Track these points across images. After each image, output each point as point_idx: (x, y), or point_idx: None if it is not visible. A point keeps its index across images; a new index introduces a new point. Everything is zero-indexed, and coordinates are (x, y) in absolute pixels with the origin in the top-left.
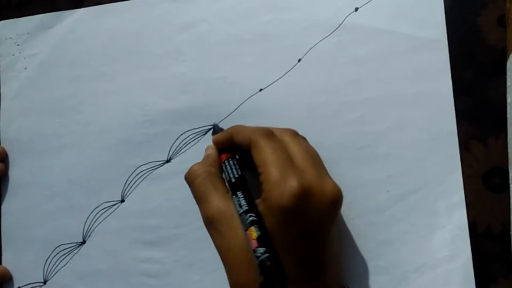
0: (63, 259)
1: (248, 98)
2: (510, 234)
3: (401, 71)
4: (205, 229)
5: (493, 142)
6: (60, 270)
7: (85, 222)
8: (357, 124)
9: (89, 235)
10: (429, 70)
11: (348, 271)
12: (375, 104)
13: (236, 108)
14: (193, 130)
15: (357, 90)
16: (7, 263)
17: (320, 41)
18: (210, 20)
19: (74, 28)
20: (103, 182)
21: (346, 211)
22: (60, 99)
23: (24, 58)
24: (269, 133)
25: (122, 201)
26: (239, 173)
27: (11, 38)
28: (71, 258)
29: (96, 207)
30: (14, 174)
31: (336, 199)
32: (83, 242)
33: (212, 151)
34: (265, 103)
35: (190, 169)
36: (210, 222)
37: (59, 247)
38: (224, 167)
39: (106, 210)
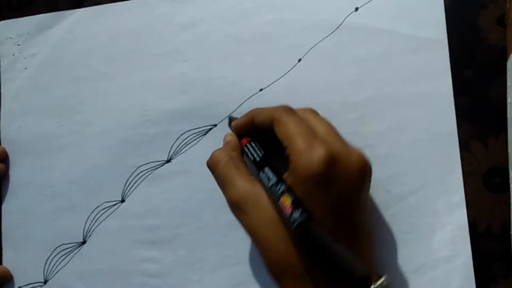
0: (63, 259)
1: (248, 98)
2: (510, 234)
3: (401, 71)
4: (205, 229)
5: (493, 142)
6: (60, 270)
7: (85, 222)
8: (357, 124)
9: (90, 235)
10: (429, 70)
11: None
12: (375, 104)
13: (236, 108)
14: (193, 130)
15: (357, 90)
16: (7, 263)
17: (320, 41)
18: (210, 20)
19: (74, 28)
20: (103, 182)
21: None
22: (60, 99)
23: (24, 58)
24: (290, 109)
25: (122, 201)
26: (262, 152)
27: (11, 38)
28: (71, 258)
29: (96, 207)
30: (14, 174)
31: (364, 166)
32: (84, 242)
33: (232, 137)
34: (265, 103)
35: (212, 155)
36: (237, 205)
37: (59, 247)
38: (246, 149)
39: (106, 210)
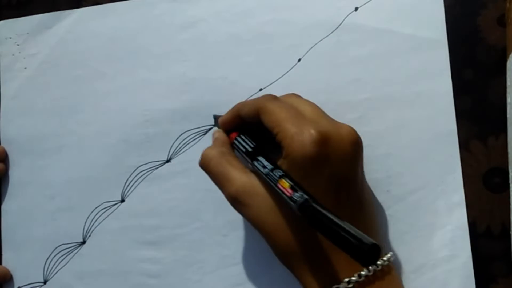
0: (63, 259)
1: (248, 98)
2: (510, 234)
3: (401, 71)
4: (204, 229)
5: (493, 142)
6: (60, 270)
7: (85, 222)
8: (357, 124)
9: (89, 235)
10: (429, 70)
11: None
12: (375, 104)
13: None
14: (193, 130)
15: (357, 90)
16: (7, 263)
17: (320, 41)
18: (210, 20)
19: (74, 28)
20: (103, 182)
21: None
22: (60, 99)
23: (24, 58)
24: (274, 97)
25: (122, 201)
26: (254, 143)
27: (11, 38)
28: (71, 258)
29: (96, 207)
30: (14, 174)
31: (355, 140)
32: (83, 242)
33: (220, 134)
34: None
35: (202, 155)
36: (236, 198)
37: (59, 247)
38: (236, 143)
39: (106, 210)
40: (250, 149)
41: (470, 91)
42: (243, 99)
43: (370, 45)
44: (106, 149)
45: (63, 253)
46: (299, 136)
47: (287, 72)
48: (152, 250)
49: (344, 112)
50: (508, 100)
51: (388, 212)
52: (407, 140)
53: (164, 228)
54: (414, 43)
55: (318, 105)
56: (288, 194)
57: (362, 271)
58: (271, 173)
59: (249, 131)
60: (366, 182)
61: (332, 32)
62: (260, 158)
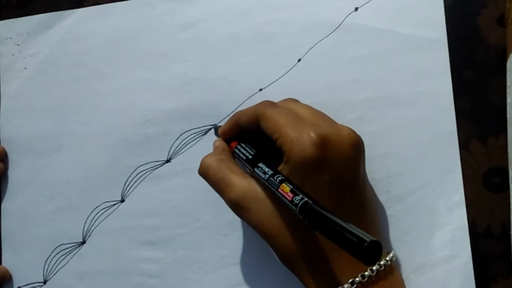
0: (63, 259)
1: (248, 98)
2: (510, 234)
3: (401, 71)
4: (204, 229)
5: (493, 142)
6: (60, 270)
7: (85, 222)
8: (357, 124)
9: (89, 235)
10: (429, 70)
11: None
12: (375, 104)
13: (236, 108)
14: (193, 130)
15: (357, 90)
16: (7, 263)
17: (320, 41)
18: (210, 20)
19: (74, 28)
20: (103, 182)
21: None
22: (60, 99)
23: (24, 58)
24: (272, 103)
25: (122, 201)
26: (254, 151)
27: (11, 38)
28: (71, 258)
29: (96, 207)
30: (14, 174)
31: (355, 141)
32: (83, 242)
33: (220, 142)
34: None
35: (201, 162)
36: (237, 204)
37: (59, 247)
38: (237, 151)
39: (106, 210)
40: (250, 156)
41: (470, 91)
42: (243, 99)
43: (370, 45)
44: (106, 149)
45: (63, 253)
46: (299, 140)
47: (287, 72)
48: (152, 250)
49: (344, 112)
50: (508, 100)
51: (388, 212)
52: (407, 140)
53: (164, 228)
54: (414, 43)
55: (318, 105)
56: (289, 198)
57: (365, 271)
58: (271, 179)
59: (249, 139)
60: (368, 182)
61: (332, 32)
62: (261, 165)
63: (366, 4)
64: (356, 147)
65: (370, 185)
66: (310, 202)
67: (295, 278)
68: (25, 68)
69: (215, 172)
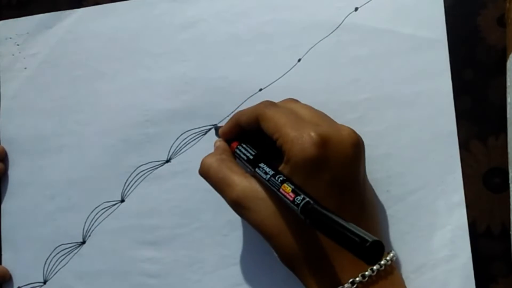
0: (63, 259)
1: (248, 98)
2: (510, 234)
3: (401, 71)
4: (204, 229)
5: (493, 142)
6: (60, 270)
7: (85, 222)
8: (357, 124)
9: (89, 235)
10: (429, 70)
11: None
12: (375, 104)
13: (236, 108)
14: (193, 130)
15: (357, 90)
16: (7, 263)
17: (320, 41)
18: (210, 20)
19: (74, 28)
20: (103, 182)
21: None
22: (60, 99)
23: (24, 58)
24: (272, 103)
25: (122, 201)
26: (254, 151)
27: (11, 38)
28: (71, 258)
29: (96, 207)
30: (14, 174)
31: (356, 141)
32: (83, 242)
33: (221, 143)
34: None
35: (202, 162)
36: (238, 203)
37: (59, 247)
38: (238, 152)
39: (106, 210)
40: (251, 156)
41: (470, 91)
42: (243, 99)
43: (370, 45)
44: (106, 149)
45: (63, 253)
46: (299, 140)
47: (287, 72)
48: (152, 250)
49: (344, 112)
50: (508, 100)
51: (388, 212)
52: (407, 140)
53: (164, 228)
54: (414, 43)
55: (318, 105)
56: (290, 199)
57: (366, 271)
58: (272, 179)
59: (250, 139)
60: (368, 182)
61: (332, 32)
62: (262, 165)
63: (366, 4)
64: (356, 147)
65: (370, 185)
66: (312, 202)
67: (295, 278)
68: (25, 68)
69: (215, 172)
